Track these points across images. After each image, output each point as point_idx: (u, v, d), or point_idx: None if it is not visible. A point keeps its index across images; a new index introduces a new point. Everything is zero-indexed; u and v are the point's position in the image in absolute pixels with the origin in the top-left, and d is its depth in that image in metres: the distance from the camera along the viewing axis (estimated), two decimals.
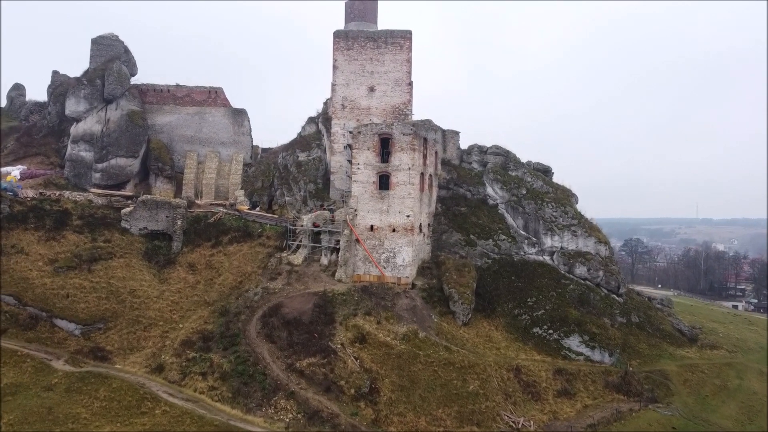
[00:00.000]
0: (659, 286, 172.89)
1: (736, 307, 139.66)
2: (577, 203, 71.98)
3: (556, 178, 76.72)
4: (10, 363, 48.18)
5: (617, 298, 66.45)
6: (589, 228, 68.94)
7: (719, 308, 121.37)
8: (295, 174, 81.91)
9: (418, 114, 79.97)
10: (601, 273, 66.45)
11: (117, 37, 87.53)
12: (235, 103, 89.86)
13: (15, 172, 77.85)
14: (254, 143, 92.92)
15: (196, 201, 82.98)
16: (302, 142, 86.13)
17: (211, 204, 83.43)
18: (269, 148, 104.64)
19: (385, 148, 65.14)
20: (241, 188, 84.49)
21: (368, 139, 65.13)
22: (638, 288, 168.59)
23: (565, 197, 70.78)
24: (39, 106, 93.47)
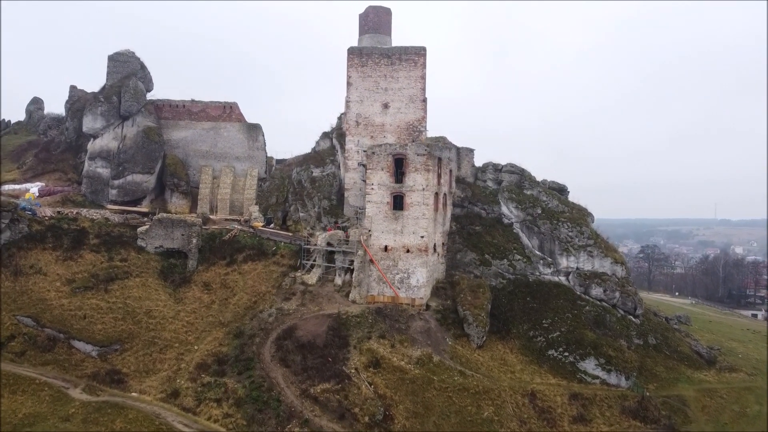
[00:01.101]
0: (677, 293, 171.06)
1: (755, 316, 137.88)
2: (593, 222, 71.37)
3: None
4: (28, 392, 48.77)
5: (634, 319, 65.75)
6: (605, 248, 68.27)
7: (738, 318, 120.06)
8: (310, 190, 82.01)
9: (432, 130, 79.90)
10: (617, 294, 65.78)
11: (133, 53, 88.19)
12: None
13: (33, 189, 78.79)
14: (268, 154, 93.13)
15: (211, 216, 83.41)
16: (316, 157, 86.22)
17: (226, 219, 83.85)
18: (283, 160, 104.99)
19: (399, 168, 65.03)
20: (256, 203, 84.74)
21: (382, 160, 65.06)
22: (656, 296, 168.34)
23: (580, 216, 70.16)
24: (57, 120, 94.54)
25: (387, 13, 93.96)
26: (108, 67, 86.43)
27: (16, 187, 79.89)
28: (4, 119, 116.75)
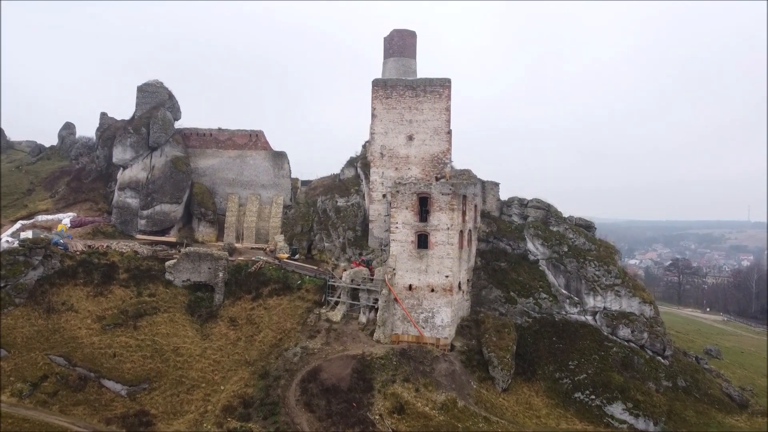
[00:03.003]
0: (708, 309, 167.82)
1: None
2: (620, 260, 70.26)
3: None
4: None
5: (663, 360, 64.61)
6: (633, 287, 67.18)
7: None
8: (334, 220, 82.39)
9: (456, 159, 79.43)
10: (645, 335, 64.71)
11: (161, 83, 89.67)
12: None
13: (66, 220, 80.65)
14: (293, 175, 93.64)
15: (237, 245, 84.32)
16: (341, 186, 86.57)
17: (252, 248, 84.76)
18: (308, 182, 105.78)
19: (423, 206, 64.89)
20: (281, 232, 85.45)
21: (406, 198, 65.00)
22: (686, 311, 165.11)
23: (608, 255, 69.14)
24: (88, 147, 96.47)
25: (412, 36, 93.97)
26: (137, 97, 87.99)
27: (50, 217, 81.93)
28: (36, 142, 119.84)
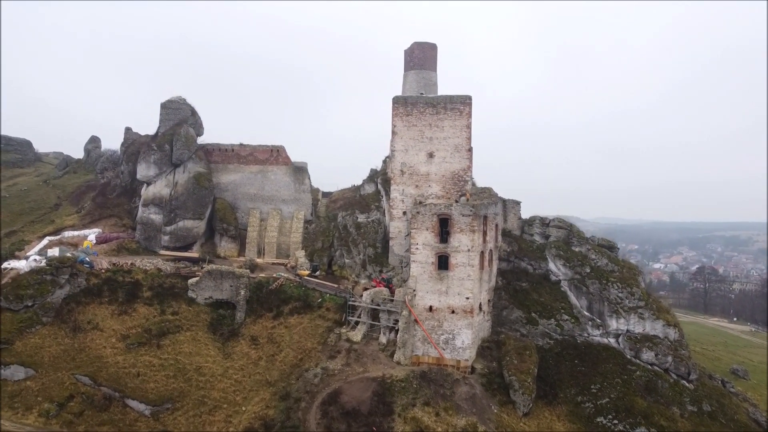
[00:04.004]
0: (735, 319, 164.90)
1: None
2: (644, 282, 69.27)
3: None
4: None
5: (688, 384, 63.56)
6: (657, 309, 66.20)
7: None
8: (355, 236, 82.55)
9: (477, 174, 79.11)
10: (669, 358, 63.75)
11: (184, 100, 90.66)
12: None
13: (91, 236, 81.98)
14: (315, 184, 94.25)
15: (258, 260, 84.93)
16: (362, 202, 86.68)
17: (273, 263, 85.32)
18: (329, 194, 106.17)
19: (444, 227, 64.72)
20: (302, 248, 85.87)
21: (427, 220, 64.88)
22: (713, 321, 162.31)
23: (631, 276, 68.23)
24: (112, 162, 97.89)
25: (432, 48, 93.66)
26: (160, 114, 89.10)
27: (76, 233, 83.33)
28: (63, 153, 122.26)
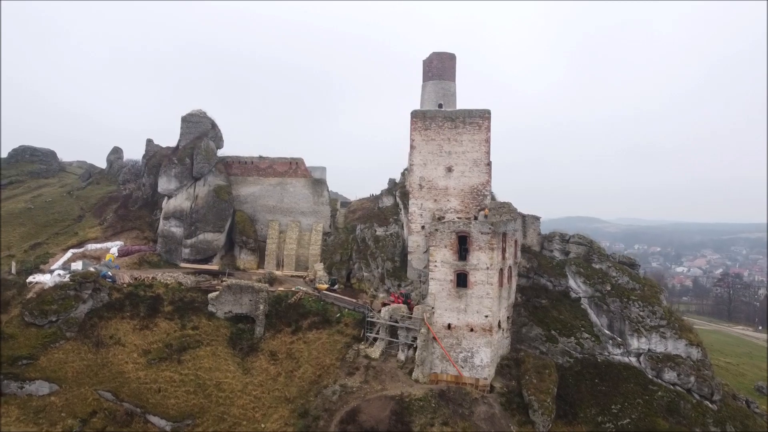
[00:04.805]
0: (760, 327, 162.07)
1: None
2: (666, 300, 68.27)
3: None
4: None
5: (711, 405, 62.57)
6: (679, 329, 65.24)
7: None
8: (373, 249, 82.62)
9: (496, 188, 78.76)
10: (692, 379, 62.77)
11: (205, 113, 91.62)
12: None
13: (113, 249, 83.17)
14: (334, 188, 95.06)
15: (277, 272, 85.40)
16: (380, 215, 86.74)
17: (292, 276, 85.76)
18: (347, 203, 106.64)
19: (462, 244, 64.42)
20: (321, 260, 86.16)
21: (445, 237, 64.66)
22: (737, 329, 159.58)
23: (652, 294, 67.30)
24: (134, 174, 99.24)
25: (451, 59, 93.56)
26: (181, 128, 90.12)
27: (98, 246, 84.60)
28: (87, 162, 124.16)
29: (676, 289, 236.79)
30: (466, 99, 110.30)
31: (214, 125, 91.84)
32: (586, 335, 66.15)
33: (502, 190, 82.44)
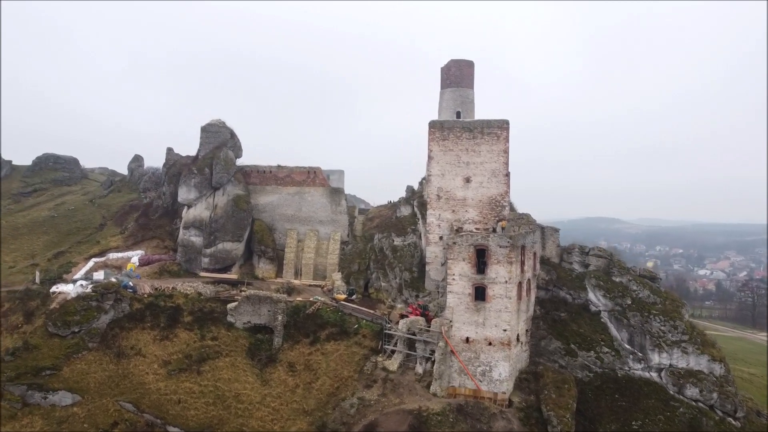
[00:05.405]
0: None
1: None
2: (688, 314, 67.29)
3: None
4: None
5: (734, 422, 61.50)
6: (701, 344, 64.24)
7: None
8: (391, 259, 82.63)
9: (515, 197, 78.32)
10: (715, 395, 61.78)
11: (224, 123, 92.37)
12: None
13: (134, 258, 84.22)
14: (351, 191, 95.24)
15: (295, 281, 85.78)
16: (398, 225, 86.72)
17: (310, 285, 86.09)
18: (366, 210, 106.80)
19: (481, 257, 64.11)
20: (338, 270, 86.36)
21: (463, 250, 64.38)
22: (761, 336, 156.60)
23: (674, 309, 66.33)
24: (154, 182, 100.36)
25: (469, 66, 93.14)
26: (201, 138, 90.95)
27: (120, 255, 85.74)
28: (108, 168, 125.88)
29: (699, 293, 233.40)
30: (484, 108, 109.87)
31: (233, 135, 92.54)
32: (606, 349, 65.46)
33: (520, 191, 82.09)
